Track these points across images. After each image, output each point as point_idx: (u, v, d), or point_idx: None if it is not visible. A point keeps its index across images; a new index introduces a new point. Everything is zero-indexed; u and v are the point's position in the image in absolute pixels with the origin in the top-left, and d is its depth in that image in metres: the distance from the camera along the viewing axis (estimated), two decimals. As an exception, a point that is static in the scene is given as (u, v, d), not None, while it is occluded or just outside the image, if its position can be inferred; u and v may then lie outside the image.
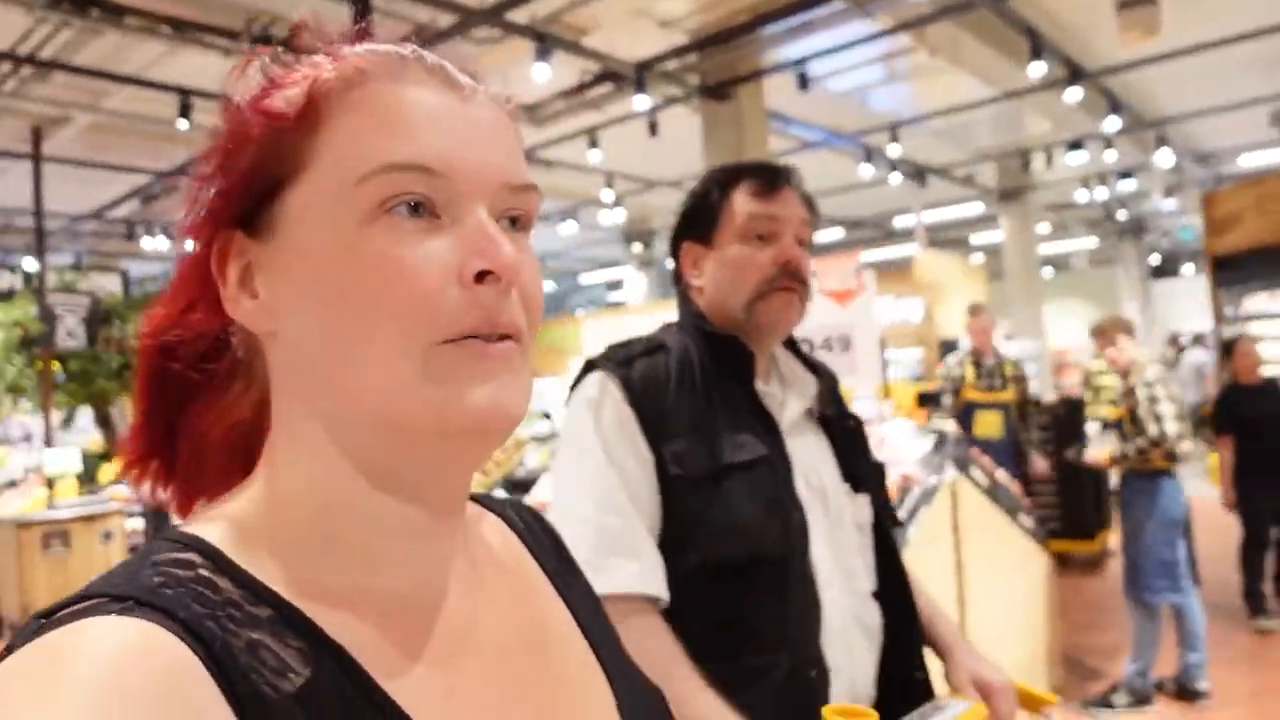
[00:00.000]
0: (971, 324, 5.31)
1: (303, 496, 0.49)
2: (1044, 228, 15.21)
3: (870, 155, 9.24)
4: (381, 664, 0.45)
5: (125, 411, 7.78)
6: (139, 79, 6.22)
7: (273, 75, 0.49)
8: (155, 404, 0.53)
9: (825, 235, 15.25)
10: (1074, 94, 6.98)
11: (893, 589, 1.31)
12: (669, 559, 1.14)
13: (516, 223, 0.50)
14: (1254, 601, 4.65)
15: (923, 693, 1.26)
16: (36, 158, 7.35)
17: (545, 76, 5.81)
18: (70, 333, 6.90)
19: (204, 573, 0.43)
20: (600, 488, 1.14)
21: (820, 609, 1.17)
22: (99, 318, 7.19)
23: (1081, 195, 11.91)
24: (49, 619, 0.39)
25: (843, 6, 5.85)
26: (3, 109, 6.63)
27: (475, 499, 0.62)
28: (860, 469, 1.34)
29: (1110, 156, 9.25)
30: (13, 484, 6.86)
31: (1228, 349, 4.28)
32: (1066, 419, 6.36)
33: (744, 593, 1.14)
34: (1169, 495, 3.53)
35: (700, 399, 1.22)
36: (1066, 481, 6.07)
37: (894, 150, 8.88)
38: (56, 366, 7.47)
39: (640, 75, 6.52)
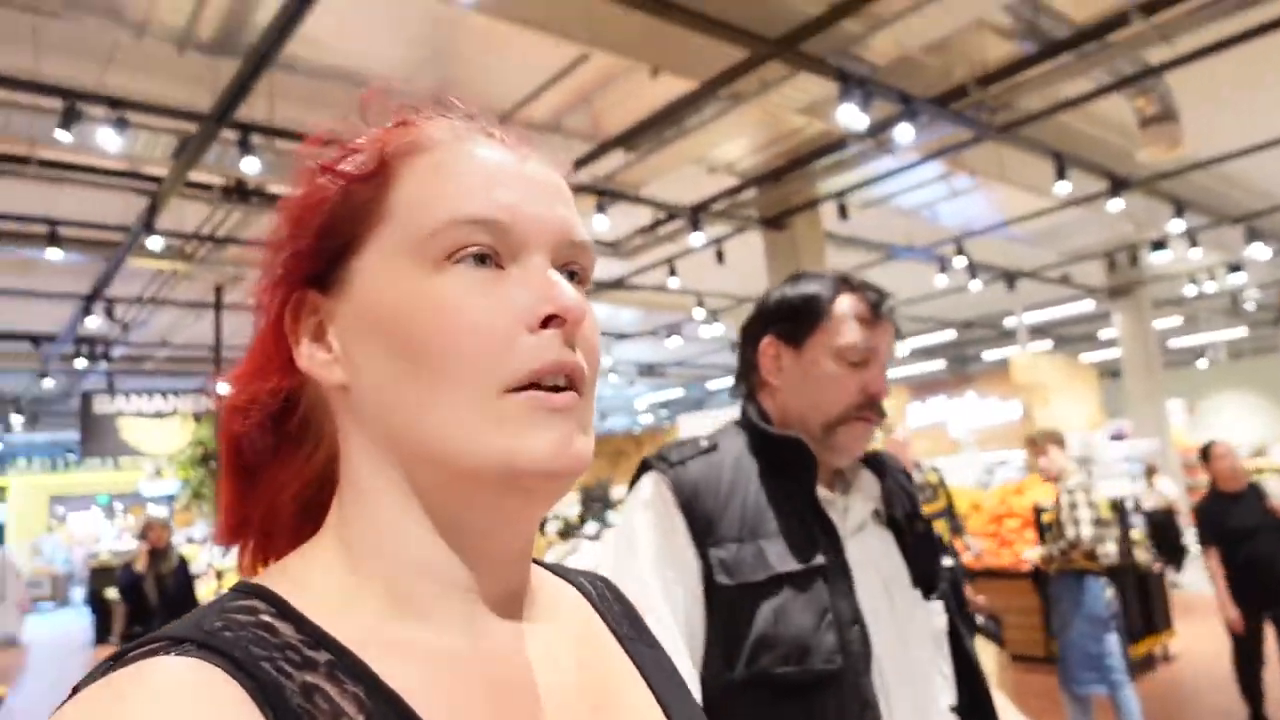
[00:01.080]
0: (886, 442, 5.35)
1: (368, 547, 0.49)
2: (1173, 321, 14.68)
3: (944, 265, 9.62)
4: (436, 713, 0.44)
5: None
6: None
7: (345, 143, 0.52)
8: (236, 468, 0.55)
9: (938, 337, 15.36)
10: (1117, 204, 7.23)
11: (973, 703, 1.24)
12: (716, 673, 1.10)
13: (574, 277, 0.52)
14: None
15: None
16: (218, 306, 9.07)
17: (605, 226, 6.78)
18: (236, 450, 8.36)
19: (265, 618, 0.44)
20: (640, 592, 1.10)
21: None
22: (259, 437, 8.67)
23: (1190, 289, 11.61)
24: (115, 660, 0.41)
25: (869, 146, 6.51)
26: (196, 274, 8.32)
27: (546, 567, 0.62)
28: (932, 573, 1.28)
29: (1196, 254, 9.18)
30: (197, 577, 8.35)
31: (1204, 454, 4.30)
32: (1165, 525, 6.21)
33: (795, 713, 1.08)
34: (1092, 593, 3.74)
35: (755, 504, 1.18)
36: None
37: (960, 261, 9.23)
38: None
39: (695, 216, 7.40)
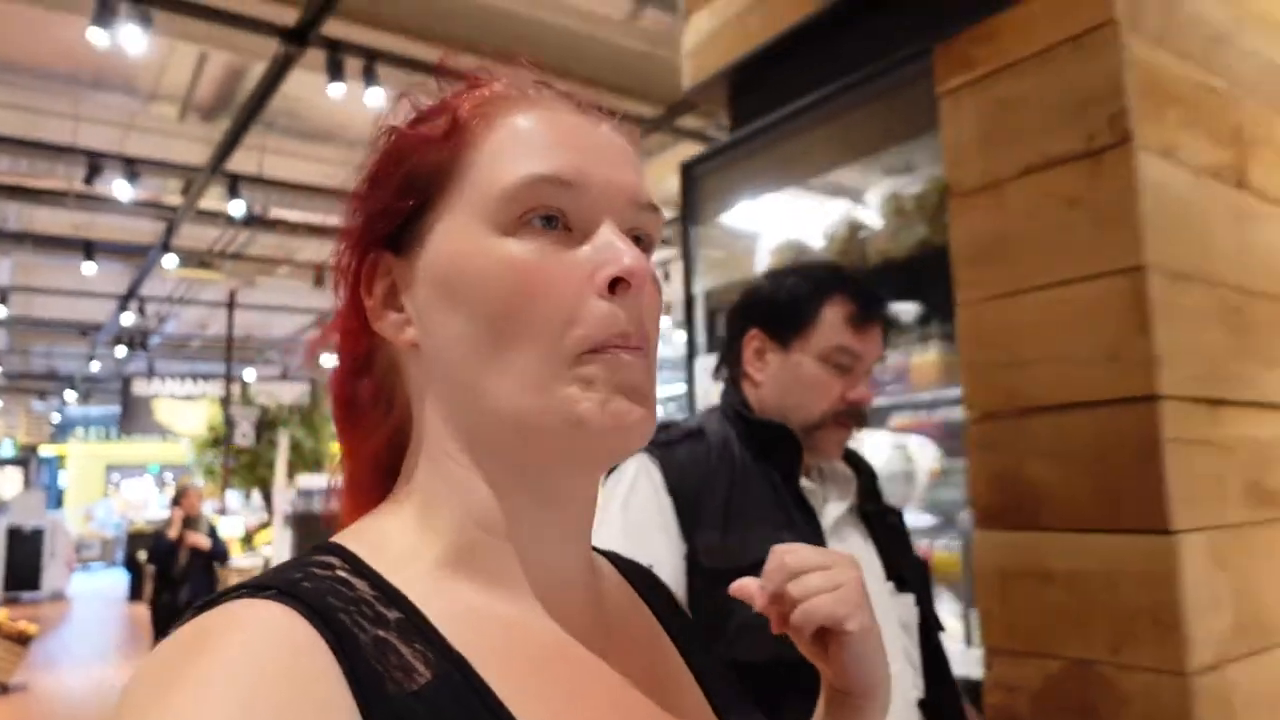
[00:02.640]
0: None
1: (440, 507, 0.50)
2: None
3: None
4: (502, 677, 0.44)
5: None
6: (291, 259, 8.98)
7: (420, 105, 0.53)
8: (341, 426, 0.56)
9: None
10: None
11: (941, 695, 1.24)
12: None
13: (640, 242, 0.52)
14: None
15: None
16: (232, 306, 10.42)
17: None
18: (244, 434, 9.66)
19: (341, 574, 0.45)
20: None
21: None
22: (265, 423, 9.95)
23: None
24: (204, 606, 0.42)
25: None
26: (216, 279, 9.63)
27: (598, 551, 0.61)
28: (905, 567, 1.27)
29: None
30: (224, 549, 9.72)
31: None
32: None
33: (769, 698, 1.01)
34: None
35: (739, 490, 1.17)
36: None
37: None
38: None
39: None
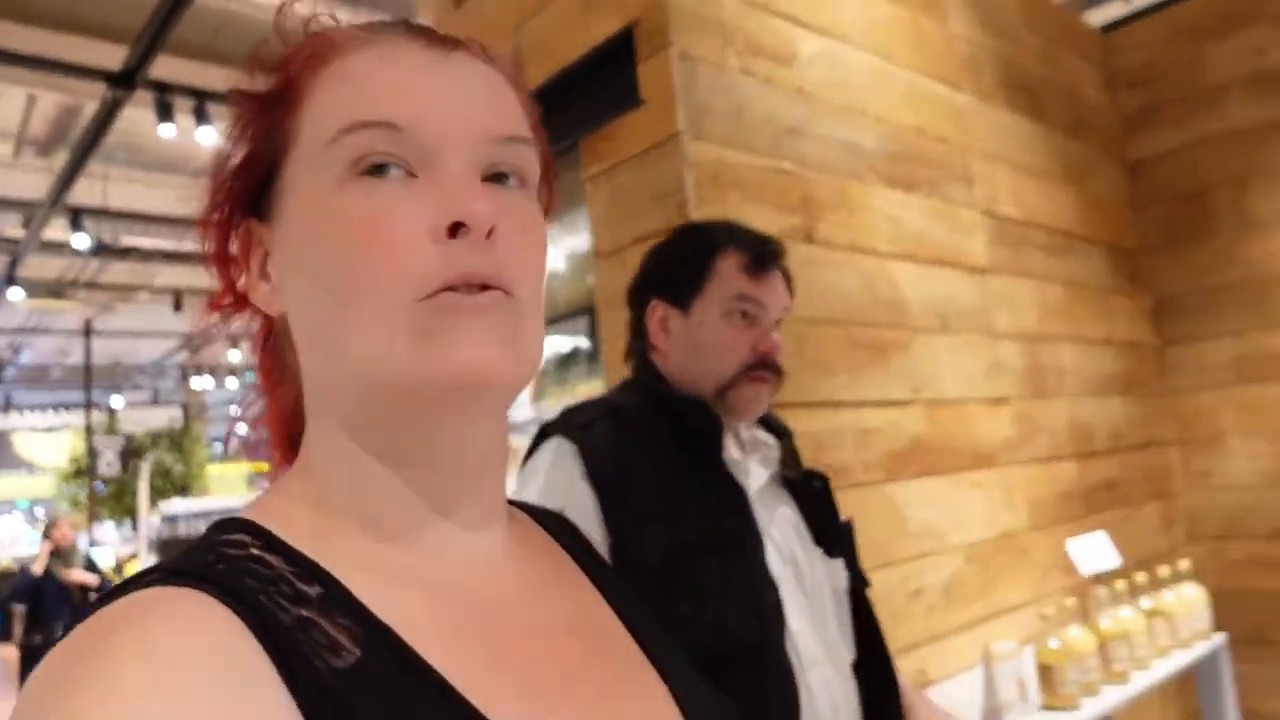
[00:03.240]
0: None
1: (332, 475, 0.48)
2: None
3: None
4: (427, 641, 0.43)
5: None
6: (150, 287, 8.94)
7: (263, 63, 0.50)
8: (263, 392, 0.56)
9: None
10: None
11: (873, 658, 1.23)
12: None
13: (504, 179, 0.48)
14: None
15: None
16: (88, 334, 10.26)
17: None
18: (109, 463, 9.55)
19: (255, 551, 0.43)
20: None
21: (799, 700, 1.07)
22: (130, 451, 9.86)
23: None
24: (105, 598, 0.39)
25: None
26: (69, 308, 9.47)
27: (510, 503, 0.60)
28: (831, 531, 1.26)
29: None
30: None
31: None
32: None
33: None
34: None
35: (662, 471, 1.14)
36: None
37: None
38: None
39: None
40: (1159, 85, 3.19)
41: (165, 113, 4.90)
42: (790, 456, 1.28)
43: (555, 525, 0.64)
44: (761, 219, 1.86)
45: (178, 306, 8.97)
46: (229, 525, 0.46)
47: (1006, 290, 2.54)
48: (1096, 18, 3.57)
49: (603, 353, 1.94)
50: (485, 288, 0.45)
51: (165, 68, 4.85)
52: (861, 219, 2.11)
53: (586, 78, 1.97)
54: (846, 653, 1.20)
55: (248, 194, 0.50)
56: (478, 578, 0.50)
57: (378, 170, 0.45)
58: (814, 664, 1.12)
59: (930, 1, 2.47)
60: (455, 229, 0.45)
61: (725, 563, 1.09)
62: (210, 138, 5.01)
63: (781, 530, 1.20)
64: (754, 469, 1.22)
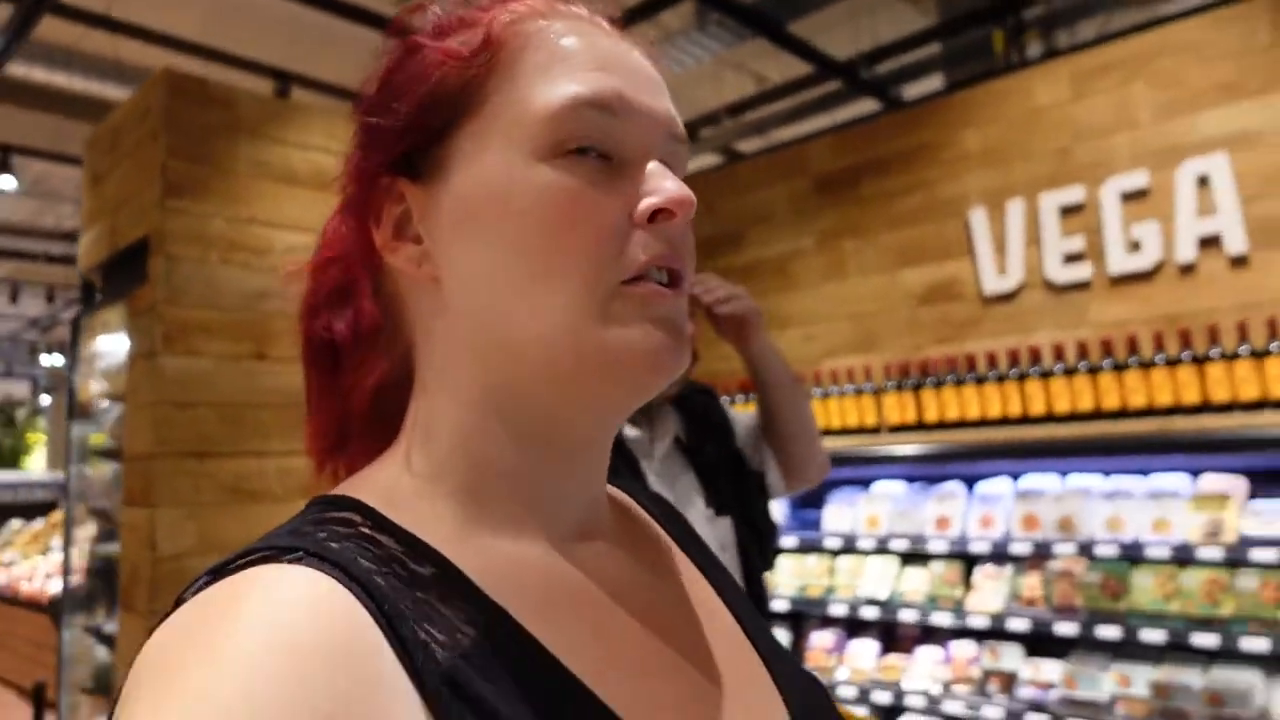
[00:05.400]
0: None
1: (455, 453, 0.48)
2: None
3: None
4: (544, 625, 0.43)
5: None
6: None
7: (447, 17, 0.49)
8: (319, 370, 0.52)
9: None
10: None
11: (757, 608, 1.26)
12: None
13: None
14: None
15: None
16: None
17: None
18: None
19: (365, 530, 0.42)
20: None
21: None
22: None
23: None
24: (217, 572, 0.38)
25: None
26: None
27: (618, 487, 0.61)
28: (724, 493, 1.37)
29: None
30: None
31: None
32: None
33: None
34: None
35: None
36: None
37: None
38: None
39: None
40: None
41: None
42: (695, 428, 1.44)
43: (660, 510, 0.64)
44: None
45: (13, 298, 9.88)
46: (332, 502, 0.45)
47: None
48: None
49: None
50: (671, 282, 0.47)
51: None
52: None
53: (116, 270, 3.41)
54: None
55: (410, 148, 0.48)
56: (589, 560, 0.50)
57: (584, 151, 0.45)
58: None
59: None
60: (656, 215, 0.46)
61: None
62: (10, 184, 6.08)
63: (676, 498, 1.38)
64: (658, 441, 1.39)
